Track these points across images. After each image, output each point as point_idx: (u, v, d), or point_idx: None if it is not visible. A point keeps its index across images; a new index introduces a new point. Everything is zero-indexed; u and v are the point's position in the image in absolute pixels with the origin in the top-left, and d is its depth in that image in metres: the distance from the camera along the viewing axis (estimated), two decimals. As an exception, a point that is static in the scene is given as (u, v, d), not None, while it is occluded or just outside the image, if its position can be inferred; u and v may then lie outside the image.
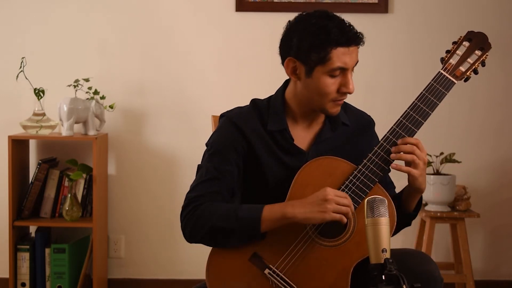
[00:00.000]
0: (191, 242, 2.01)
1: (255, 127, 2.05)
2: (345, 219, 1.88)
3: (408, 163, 1.97)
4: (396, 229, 2.01)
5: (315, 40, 1.92)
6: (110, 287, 3.79)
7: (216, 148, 2.04)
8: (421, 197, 2.08)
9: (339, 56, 1.92)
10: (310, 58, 1.94)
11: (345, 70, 1.95)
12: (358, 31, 1.97)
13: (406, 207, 2.06)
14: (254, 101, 2.12)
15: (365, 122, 2.17)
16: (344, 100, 2.15)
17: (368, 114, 2.21)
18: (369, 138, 2.15)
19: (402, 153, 1.95)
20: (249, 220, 1.91)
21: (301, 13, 2.01)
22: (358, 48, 1.97)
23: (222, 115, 2.12)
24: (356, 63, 1.98)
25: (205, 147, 2.09)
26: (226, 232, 1.94)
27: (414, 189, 2.01)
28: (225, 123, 2.08)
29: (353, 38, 1.94)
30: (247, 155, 2.03)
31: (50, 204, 3.61)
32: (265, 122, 2.05)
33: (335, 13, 1.98)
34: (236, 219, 1.92)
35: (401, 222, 2.03)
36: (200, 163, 2.08)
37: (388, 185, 2.13)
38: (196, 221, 1.96)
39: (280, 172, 2.03)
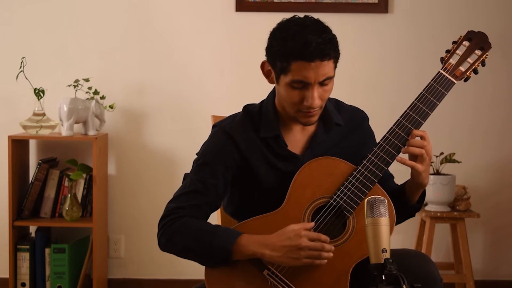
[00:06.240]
0: (164, 251, 2.01)
1: (249, 135, 2.03)
2: (317, 262, 1.87)
3: (414, 157, 1.96)
4: (400, 220, 2.02)
5: (280, 48, 1.88)
6: (110, 287, 3.79)
7: (205, 159, 2.02)
8: (425, 190, 2.07)
9: (300, 69, 1.86)
10: (275, 65, 1.92)
11: (307, 84, 1.89)
12: (329, 44, 1.85)
13: (410, 200, 2.06)
14: (246, 108, 2.09)
15: (359, 118, 2.15)
16: (338, 99, 2.15)
17: (367, 112, 2.19)
18: (362, 133, 2.13)
19: (411, 147, 1.94)
20: (221, 250, 1.91)
21: (293, 16, 1.96)
22: (326, 62, 1.86)
23: (214, 125, 2.09)
24: (328, 78, 1.89)
25: None
26: (198, 254, 1.95)
27: (417, 183, 2.00)
28: (217, 133, 2.05)
29: (316, 53, 1.83)
30: (241, 166, 2.02)
31: (50, 204, 3.61)
32: (258, 128, 2.03)
33: (325, 24, 1.90)
34: (210, 245, 1.91)
35: (405, 213, 2.05)
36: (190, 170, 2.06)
37: (388, 178, 2.13)
38: (172, 236, 1.96)
39: (276, 178, 2.02)
